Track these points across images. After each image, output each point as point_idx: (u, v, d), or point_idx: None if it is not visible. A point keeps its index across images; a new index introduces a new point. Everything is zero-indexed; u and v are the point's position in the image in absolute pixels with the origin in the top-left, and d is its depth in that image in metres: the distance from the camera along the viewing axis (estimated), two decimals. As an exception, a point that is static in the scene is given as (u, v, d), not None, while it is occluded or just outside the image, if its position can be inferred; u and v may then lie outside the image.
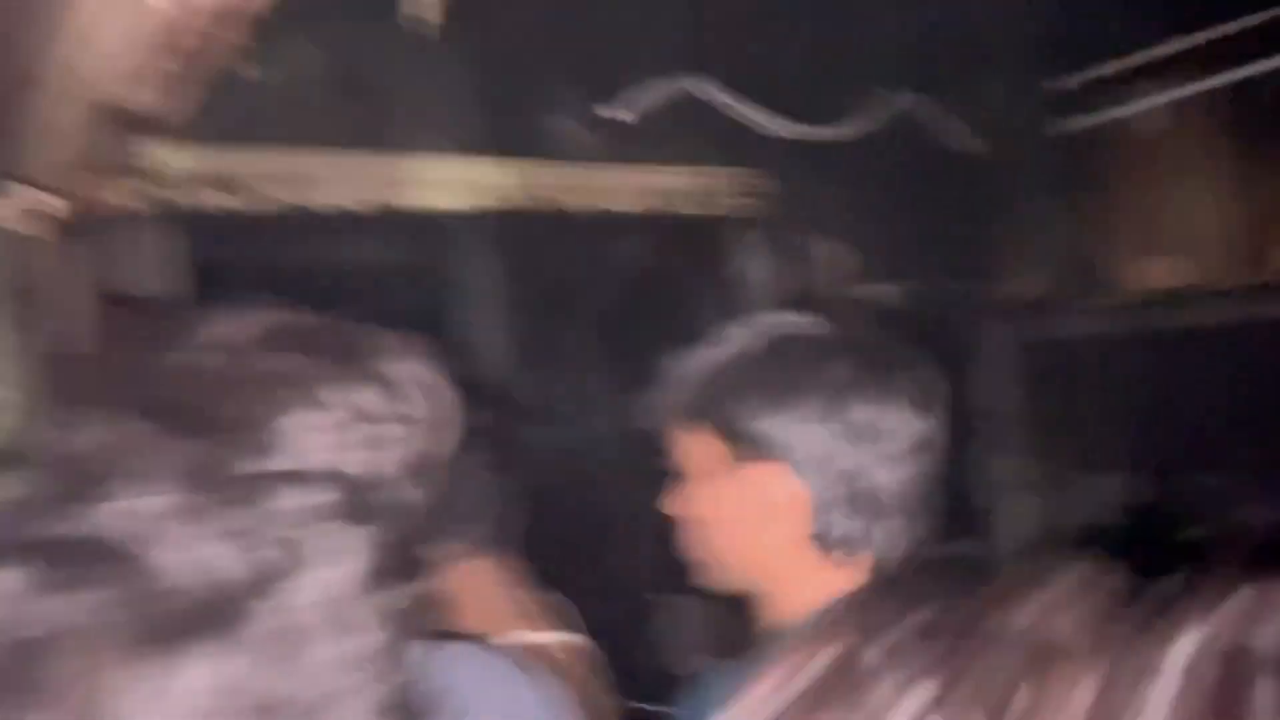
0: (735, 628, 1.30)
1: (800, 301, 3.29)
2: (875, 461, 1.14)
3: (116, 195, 1.51)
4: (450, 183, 2.82)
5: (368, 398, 0.84)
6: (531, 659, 1.20)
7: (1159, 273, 2.97)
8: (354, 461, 0.80)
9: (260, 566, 0.53)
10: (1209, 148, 2.79)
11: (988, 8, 2.52)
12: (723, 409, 1.16)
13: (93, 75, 1.24)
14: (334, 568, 0.56)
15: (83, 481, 0.55)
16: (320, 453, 0.80)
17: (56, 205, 1.61)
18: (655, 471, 1.21)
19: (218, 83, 1.18)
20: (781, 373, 1.15)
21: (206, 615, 0.51)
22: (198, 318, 0.92)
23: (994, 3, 2.49)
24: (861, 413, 1.13)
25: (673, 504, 1.25)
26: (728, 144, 2.95)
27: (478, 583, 1.38)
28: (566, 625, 1.48)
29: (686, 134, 2.88)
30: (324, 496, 0.57)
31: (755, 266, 3.31)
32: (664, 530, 1.27)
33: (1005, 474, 3.15)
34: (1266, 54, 2.66)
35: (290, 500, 0.56)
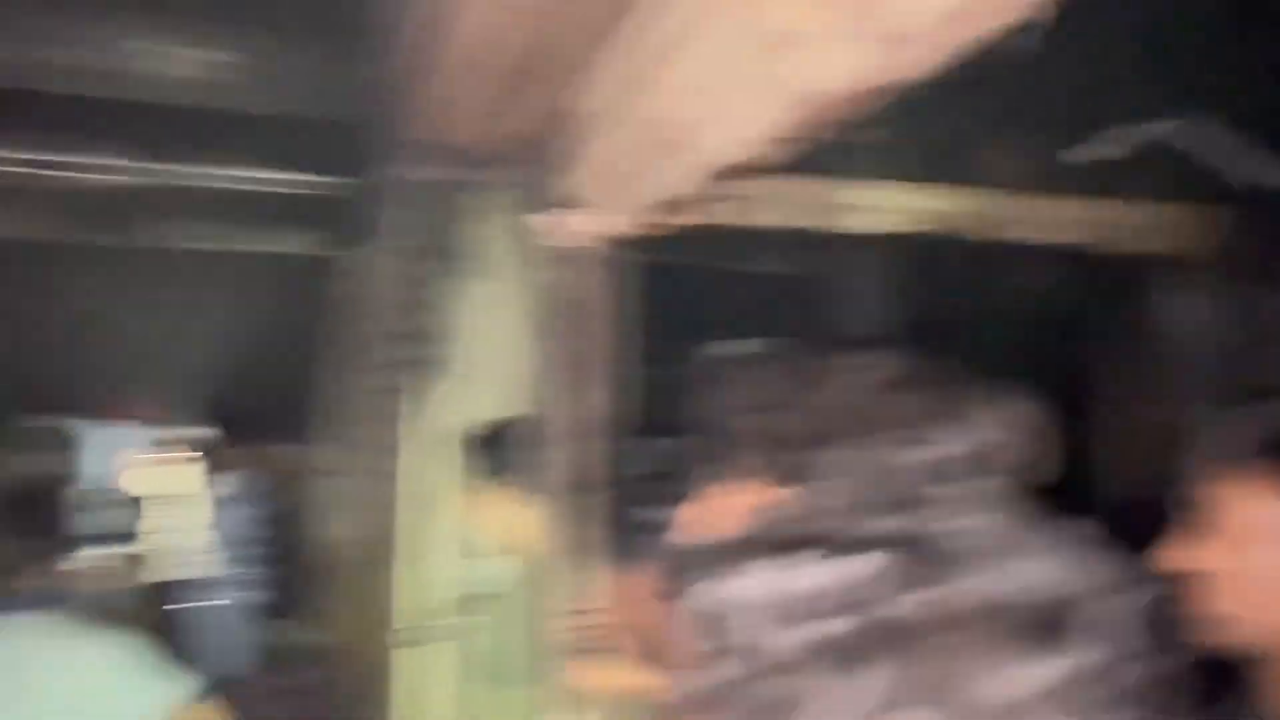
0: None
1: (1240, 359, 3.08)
2: None
3: (670, 220, 1.69)
4: (887, 208, 2.89)
5: (979, 440, 0.97)
6: None
7: None
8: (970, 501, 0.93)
9: (1065, 585, 0.67)
10: None
11: None
12: None
13: (701, 134, 1.41)
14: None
15: (907, 497, 0.72)
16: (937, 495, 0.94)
17: (615, 227, 1.84)
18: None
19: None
20: None
21: (1040, 621, 0.66)
22: (834, 360, 1.10)
23: None
24: None
25: (1194, 557, 1.26)
26: (1183, 183, 2.81)
27: None
28: None
29: (1139, 171, 2.79)
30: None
31: (1187, 313, 3.14)
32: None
33: None
34: None
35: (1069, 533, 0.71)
